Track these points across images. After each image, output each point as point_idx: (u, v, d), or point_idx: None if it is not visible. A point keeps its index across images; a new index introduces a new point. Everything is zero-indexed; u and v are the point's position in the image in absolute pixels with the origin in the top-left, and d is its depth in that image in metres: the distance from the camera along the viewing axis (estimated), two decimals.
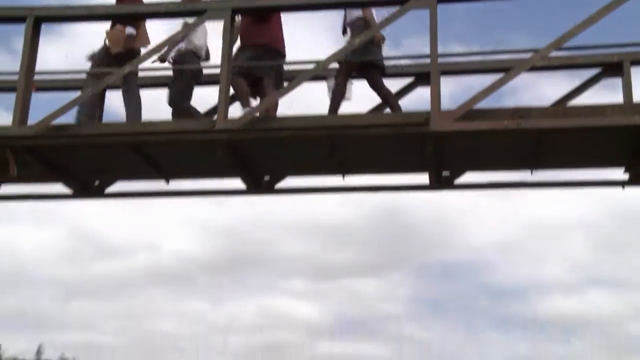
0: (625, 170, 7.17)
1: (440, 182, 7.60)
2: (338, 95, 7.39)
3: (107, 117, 8.01)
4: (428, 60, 6.71)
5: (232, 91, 7.21)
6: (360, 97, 7.74)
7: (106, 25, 7.76)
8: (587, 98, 7.57)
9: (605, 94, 8.02)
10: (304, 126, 6.80)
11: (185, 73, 7.93)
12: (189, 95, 7.92)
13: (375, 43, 7.43)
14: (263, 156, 7.38)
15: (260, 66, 7.52)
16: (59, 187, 7.97)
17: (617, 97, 7.29)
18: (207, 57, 8.35)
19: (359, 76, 7.60)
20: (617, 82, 7.40)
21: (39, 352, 20.24)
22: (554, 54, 6.93)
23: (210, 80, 7.90)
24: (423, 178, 7.64)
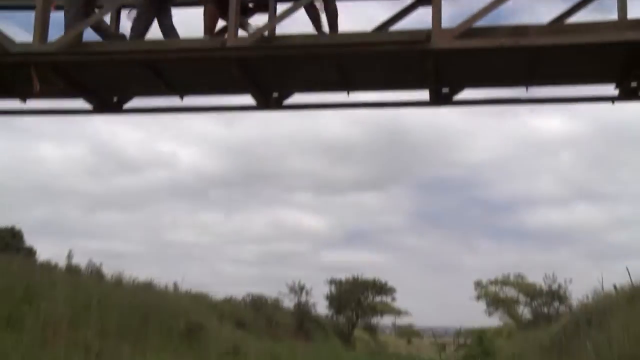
0: (616, 87, 7.10)
1: (439, 99, 7.55)
2: (315, 14, 7.07)
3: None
4: None
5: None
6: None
7: None
8: (583, 17, 7.38)
9: (600, 15, 7.80)
10: (312, 44, 6.71)
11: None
12: (146, 19, 7.29)
13: None
14: (272, 73, 7.31)
15: None
16: (80, 103, 7.97)
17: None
18: None
19: None
20: (612, 2, 7.18)
21: (69, 257, 21.06)
22: None
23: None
24: (423, 95, 7.60)
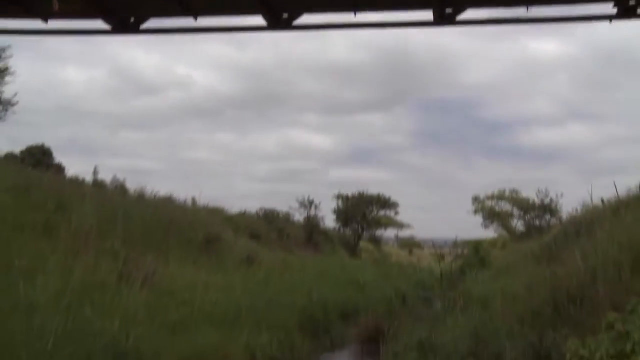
0: (615, 5, 6.92)
1: (443, 19, 7.40)
2: None
3: None
4: None
5: None
6: None
7: None
8: None
9: None
10: None
11: None
12: None
13: None
14: None
15: None
16: (99, 24, 7.87)
17: None
18: None
19: None
20: None
21: (95, 173, 21.52)
22: None
23: None
24: (428, 15, 7.44)
